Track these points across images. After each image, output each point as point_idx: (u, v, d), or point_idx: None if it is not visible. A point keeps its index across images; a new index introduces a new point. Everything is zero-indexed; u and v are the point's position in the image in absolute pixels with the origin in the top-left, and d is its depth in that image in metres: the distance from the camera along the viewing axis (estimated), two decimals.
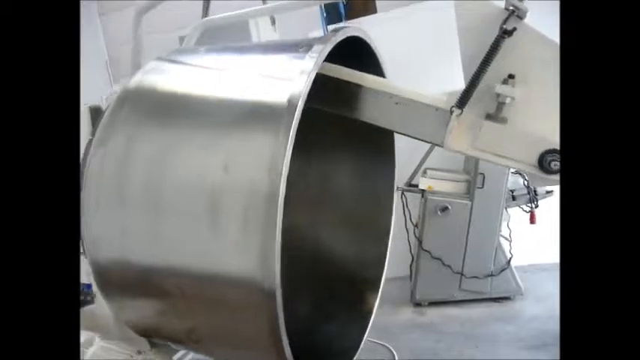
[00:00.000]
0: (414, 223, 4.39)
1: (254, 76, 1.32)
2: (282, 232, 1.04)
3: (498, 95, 1.39)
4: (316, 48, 1.23)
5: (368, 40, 1.57)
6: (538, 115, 1.39)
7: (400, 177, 4.49)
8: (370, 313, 1.75)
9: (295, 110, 1.10)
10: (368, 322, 1.73)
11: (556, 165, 1.33)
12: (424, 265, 4.24)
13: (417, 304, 4.36)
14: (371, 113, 1.59)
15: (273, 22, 2.59)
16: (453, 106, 1.44)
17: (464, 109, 1.44)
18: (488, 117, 1.42)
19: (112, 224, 1.31)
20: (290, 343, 1.73)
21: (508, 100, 1.39)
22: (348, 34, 1.39)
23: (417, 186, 4.31)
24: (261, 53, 1.47)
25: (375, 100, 1.57)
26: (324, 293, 1.85)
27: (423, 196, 4.25)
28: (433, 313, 4.24)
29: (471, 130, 1.46)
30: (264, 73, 1.31)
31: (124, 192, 1.28)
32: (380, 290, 1.80)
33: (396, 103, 1.54)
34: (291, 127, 1.08)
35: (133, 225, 1.28)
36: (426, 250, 4.20)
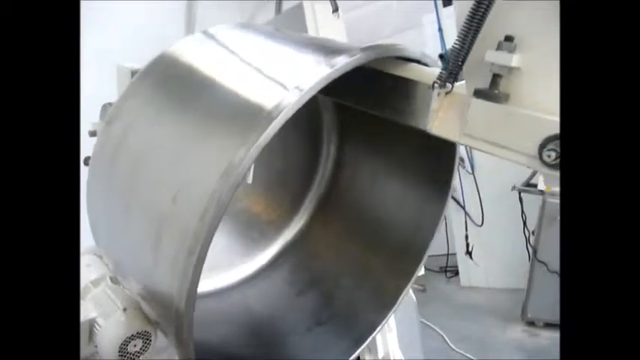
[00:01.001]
0: (532, 230, 3.81)
1: (260, 76, 1.20)
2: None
3: (492, 65, 1.07)
4: (335, 61, 1.04)
5: (409, 55, 1.26)
6: (542, 90, 1.03)
7: (520, 174, 3.98)
8: (367, 335, 1.51)
9: (265, 129, 0.94)
10: (362, 342, 1.50)
11: (550, 156, 0.95)
12: (539, 278, 3.64)
13: (530, 323, 3.77)
14: (361, 94, 1.37)
15: (336, 9, 2.31)
16: (435, 81, 1.15)
17: (454, 85, 1.14)
18: (478, 93, 1.10)
19: (98, 205, 1.41)
20: (282, 344, 1.64)
21: (504, 71, 1.06)
22: (373, 57, 1.12)
23: (536, 186, 3.73)
24: (293, 48, 1.32)
25: (364, 80, 1.34)
26: (325, 301, 1.66)
27: (542, 199, 3.66)
28: (548, 336, 3.62)
29: (463, 112, 1.14)
30: (272, 76, 1.16)
31: (110, 184, 1.35)
32: (386, 320, 1.54)
33: (383, 81, 1.29)
34: (252, 147, 0.93)
35: (111, 216, 1.35)
36: (541, 262, 3.60)
